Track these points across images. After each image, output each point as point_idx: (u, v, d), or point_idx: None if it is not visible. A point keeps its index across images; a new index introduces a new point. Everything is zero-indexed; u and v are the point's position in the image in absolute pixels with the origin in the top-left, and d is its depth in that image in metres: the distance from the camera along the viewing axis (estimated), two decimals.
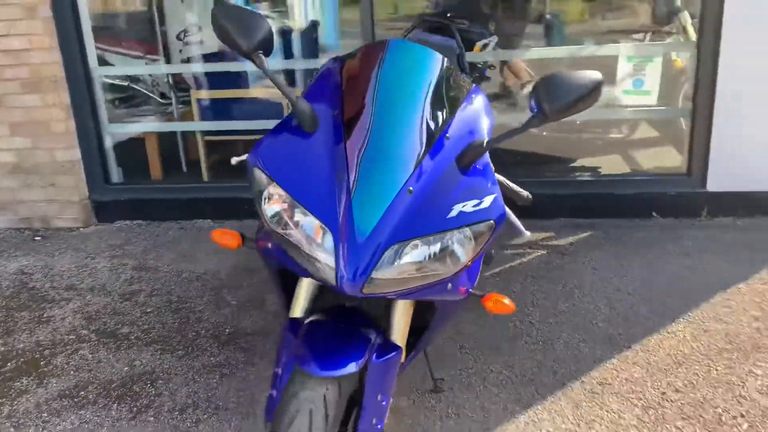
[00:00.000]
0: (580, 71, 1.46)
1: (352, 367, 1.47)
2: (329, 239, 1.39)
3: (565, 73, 1.45)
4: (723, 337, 2.72)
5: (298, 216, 1.43)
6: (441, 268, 1.43)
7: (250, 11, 1.62)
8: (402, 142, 1.49)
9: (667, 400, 2.36)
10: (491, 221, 1.45)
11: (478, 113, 1.68)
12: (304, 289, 1.69)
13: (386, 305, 1.64)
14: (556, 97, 1.43)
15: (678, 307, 2.96)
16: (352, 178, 1.42)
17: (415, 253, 1.40)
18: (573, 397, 2.40)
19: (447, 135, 1.55)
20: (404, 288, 1.43)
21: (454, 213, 1.43)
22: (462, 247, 1.43)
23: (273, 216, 1.47)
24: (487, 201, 1.47)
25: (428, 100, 1.60)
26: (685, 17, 4.49)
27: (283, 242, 1.47)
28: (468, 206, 1.45)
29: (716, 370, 2.52)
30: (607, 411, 2.33)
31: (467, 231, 1.43)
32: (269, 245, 1.67)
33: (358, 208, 1.39)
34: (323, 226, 1.39)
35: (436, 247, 1.41)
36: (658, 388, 2.43)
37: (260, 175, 1.50)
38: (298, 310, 1.69)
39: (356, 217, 1.37)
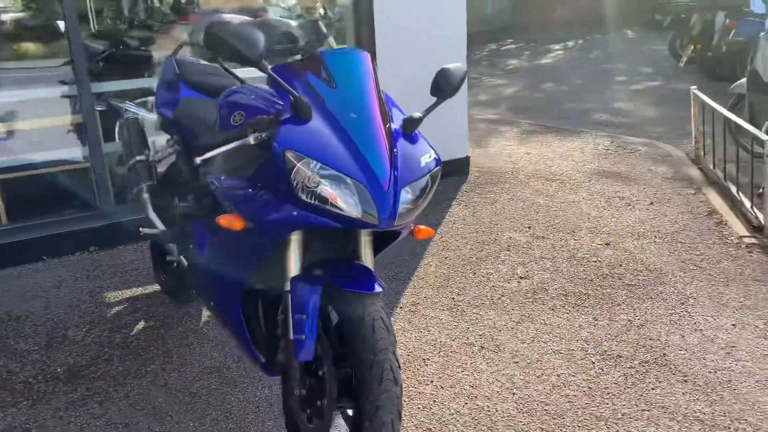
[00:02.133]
0: (454, 63, 2.18)
1: (379, 288, 1.90)
2: (364, 193, 1.83)
3: (450, 66, 2.15)
4: None
5: (333, 180, 1.83)
6: (424, 202, 1.98)
7: (244, 25, 1.88)
8: (375, 118, 1.94)
9: None
10: (439, 166, 2.05)
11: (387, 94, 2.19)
12: (294, 252, 1.98)
13: (352, 249, 2.04)
14: (450, 81, 2.12)
15: None
16: (359, 147, 1.87)
17: (411, 193, 1.93)
18: None
19: (392, 111, 2.05)
20: (409, 219, 1.95)
21: (422, 164, 1.98)
22: (432, 185, 2.00)
23: (311, 186, 1.83)
24: (432, 154, 2.05)
25: (375, 86, 2.03)
26: (331, 41, 4.69)
27: (316, 205, 1.83)
28: (426, 158, 2.01)
29: None
30: None
31: (433, 174, 2.00)
32: None
33: (376, 168, 1.85)
34: (356, 182, 1.83)
35: (422, 187, 1.97)
36: None
37: (292, 155, 1.84)
38: (294, 270, 1.97)
39: (378, 175, 1.85)
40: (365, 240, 2.03)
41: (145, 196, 3.08)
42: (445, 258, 3.76)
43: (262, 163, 1.97)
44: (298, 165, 1.84)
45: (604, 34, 15.21)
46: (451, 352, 2.83)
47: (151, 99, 4.69)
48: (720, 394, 2.50)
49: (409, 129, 2.06)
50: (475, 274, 3.56)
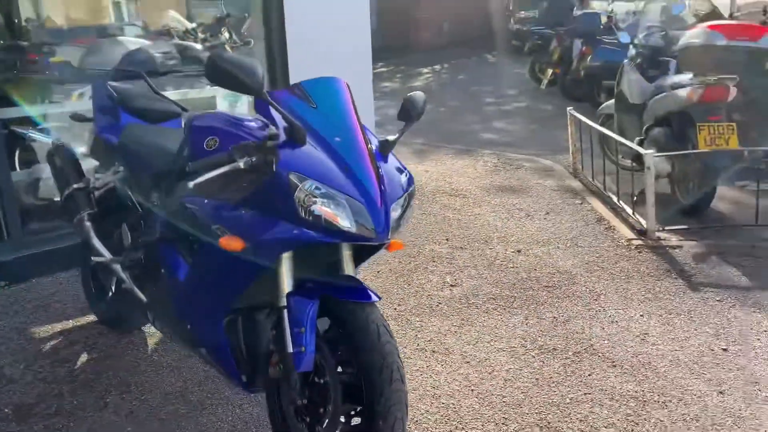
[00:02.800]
0: (416, 92, 2.40)
1: (375, 297, 2.07)
2: (361, 209, 1.99)
3: (413, 94, 2.37)
4: None
5: (332, 199, 1.97)
6: (408, 217, 2.22)
7: (244, 57, 1.98)
8: (359, 140, 2.12)
9: None
10: (413, 186, 2.27)
11: None
12: (287, 268, 2.09)
13: (334, 263, 2.16)
14: (416, 108, 2.35)
15: None
16: (351, 167, 2.03)
17: (397, 209, 2.15)
18: None
19: (368, 134, 2.23)
20: (396, 233, 2.14)
21: (402, 182, 2.21)
22: (410, 202, 2.23)
23: (312, 204, 1.96)
24: (406, 173, 2.26)
25: (354, 110, 2.21)
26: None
27: (317, 223, 1.96)
28: (403, 178, 2.23)
29: None
30: None
31: (410, 192, 2.23)
32: None
33: (369, 187, 2.02)
34: (353, 200, 1.98)
35: (402, 204, 2.18)
36: None
37: (295, 177, 1.98)
38: (288, 285, 2.09)
39: (371, 193, 2.01)
40: (347, 254, 2.17)
41: (87, 224, 3.01)
42: (378, 272, 3.95)
43: (258, 185, 2.07)
44: (300, 186, 1.97)
45: (467, 57, 16.17)
46: (406, 358, 3.02)
47: (54, 124, 4.53)
48: (645, 375, 2.87)
49: (385, 151, 2.26)
50: (409, 285, 3.78)
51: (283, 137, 2.06)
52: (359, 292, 2.06)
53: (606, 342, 3.15)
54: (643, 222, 4.50)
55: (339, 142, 2.09)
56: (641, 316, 3.40)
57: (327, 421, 2.07)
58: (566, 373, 2.89)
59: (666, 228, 4.45)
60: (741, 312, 3.39)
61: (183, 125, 2.57)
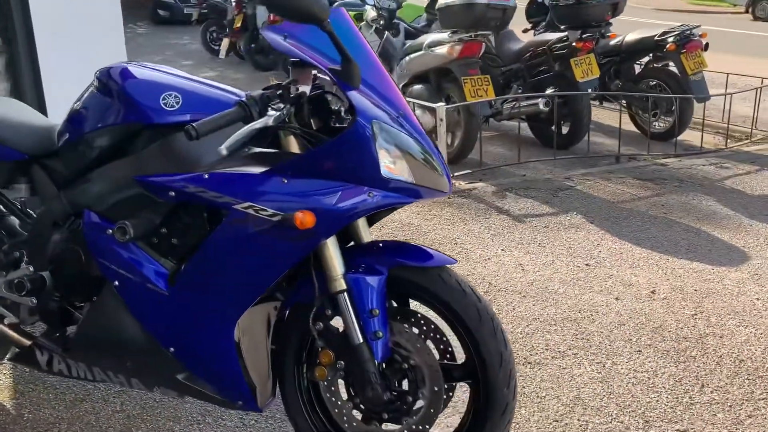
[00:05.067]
0: None
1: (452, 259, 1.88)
2: (433, 161, 1.77)
3: None
4: None
5: (411, 151, 1.74)
6: None
7: None
8: (393, 84, 1.86)
9: None
10: None
11: None
12: (334, 246, 1.77)
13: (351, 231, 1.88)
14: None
15: None
16: (405, 115, 1.78)
17: None
18: None
19: None
20: None
21: None
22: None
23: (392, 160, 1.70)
24: None
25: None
26: None
27: (391, 180, 1.70)
28: None
29: None
30: None
31: None
32: None
33: (425, 137, 1.79)
34: (427, 151, 1.77)
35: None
36: None
37: (377, 127, 1.70)
38: (339, 266, 1.77)
39: (430, 142, 1.80)
40: (362, 220, 1.91)
41: None
42: None
43: (317, 144, 1.71)
44: (379, 137, 1.69)
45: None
46: None
47: None
48: (554, 299, 3.16)
49: None
50: None
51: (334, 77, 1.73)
52: (432, 256, 1.84)
53: (498, 278, 3.36)
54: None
55: (380, 85, 1.81)
56: (503, 251, 3.69)
57: (427, 406, 1.82)
58: (498, 312, 3.01)
59: (455, 174, 4.86)
60: (569, 233, 3.94)
61: (98, 83, 1.93)
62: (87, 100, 1.96)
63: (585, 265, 3.52)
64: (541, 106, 5.21)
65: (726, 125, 5.91)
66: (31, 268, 2.05)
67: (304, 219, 1.64)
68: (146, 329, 1.87)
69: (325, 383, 1.87)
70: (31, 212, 2.15)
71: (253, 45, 9.73)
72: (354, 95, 1.71)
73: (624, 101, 5.94)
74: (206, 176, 1.74)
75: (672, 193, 4.59)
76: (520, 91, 5.58)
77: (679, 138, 5.57)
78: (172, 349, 1.86)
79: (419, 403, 1.83)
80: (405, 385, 1.84)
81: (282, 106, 1.71)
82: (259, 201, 1.69)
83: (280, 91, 1.75)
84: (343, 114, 1.84)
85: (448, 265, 1.83)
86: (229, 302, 1.79)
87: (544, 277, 3.37)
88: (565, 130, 5.55)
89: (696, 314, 3.00)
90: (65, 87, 2.83)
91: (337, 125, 1.84)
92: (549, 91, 5.34)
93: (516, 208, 4.32)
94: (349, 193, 1.69)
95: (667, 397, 2.43)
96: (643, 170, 5.08)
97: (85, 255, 1.92)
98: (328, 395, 1.89)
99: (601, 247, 3.73)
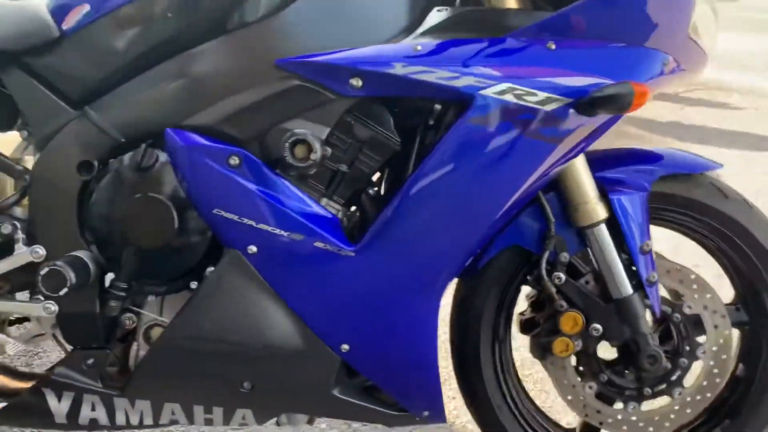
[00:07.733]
0: None
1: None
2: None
3: None
4: None
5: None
6: None
7: None
8: None
9: None
10: None
11: None
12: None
13: None
14: None
15: None
16: None
17: None
18: None
19: None
20: None
21: None
22: None
23: None
24: None
25: None
26: None
27: None
28: None
29: None
30: None
31: None
32: None
33: None
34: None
35: None
36: None
37: None
38: (592, 188, 1.24)
39: None
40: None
41: None
42: None
43: None
44: None
45: None
46: None
47: None
48: None
49: None
50: None
51: None
52: (698, 160, 1.30)
53: None
54: None
55: None
56: None
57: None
58: None
59: None
60: None
61: None
62: None
63: None
64: None
65: None
66: (40, 251, 1.19)
67: (642, 93, 1.05)
68: (304, 320, 1.19)
69: (555, 363, 1.29)
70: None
71: None
72: None
73: None
74: (419, 47, 1.10)
75: None
76: None
77: None
78: (345, 346, 1.19)
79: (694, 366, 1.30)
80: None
81: None
82: (521, 81, 1.08)
83: None
84: None
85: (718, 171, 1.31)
86: (444, 257, 1.17)
87: None
88: None
89: None
90: None
91: None
92: None
93: None
94: (647, 60, 1.12)
95: None
96: None
97: (174, 210, 1.15)
98: (557, 377, 1.29)
99: None
